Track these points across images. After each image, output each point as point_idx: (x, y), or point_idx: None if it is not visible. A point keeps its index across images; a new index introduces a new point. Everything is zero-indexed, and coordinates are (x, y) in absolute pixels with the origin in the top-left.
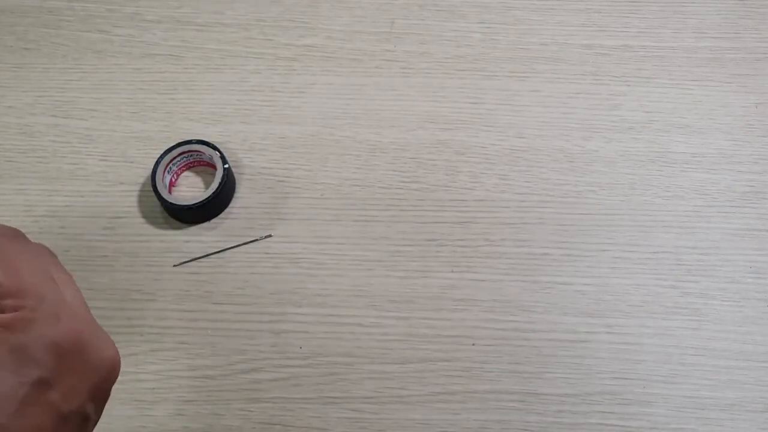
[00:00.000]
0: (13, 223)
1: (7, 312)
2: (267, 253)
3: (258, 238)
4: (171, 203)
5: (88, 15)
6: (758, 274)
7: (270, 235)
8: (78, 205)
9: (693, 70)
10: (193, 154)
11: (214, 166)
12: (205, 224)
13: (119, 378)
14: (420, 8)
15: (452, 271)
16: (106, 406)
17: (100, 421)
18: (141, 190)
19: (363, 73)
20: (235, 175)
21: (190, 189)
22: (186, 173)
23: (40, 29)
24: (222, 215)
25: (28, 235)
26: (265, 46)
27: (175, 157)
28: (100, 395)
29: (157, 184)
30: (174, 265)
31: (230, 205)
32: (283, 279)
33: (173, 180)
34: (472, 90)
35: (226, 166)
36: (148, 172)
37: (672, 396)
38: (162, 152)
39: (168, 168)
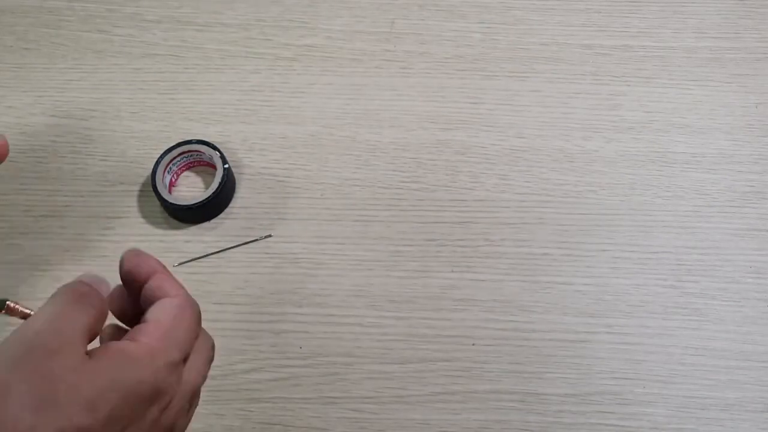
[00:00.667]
0: (13, 223)
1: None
2: (267, 253)
3: (258, 238)
4: (171, 203)
5: (88, 15)
6: (758, 274)
7: (270, 235)
8: (78, 205)
9: (693, 70)
10: (193, 154)
11: (214, 166)
12: (205, 224)
13: None
14: (420, 8)
15: (452, 271)
16: None
17: None
18: (141, 190)
19: (363, 73)
20: (235, 175)
21: (190, 189)
22: (186, 173)
23: (40, 29)
24: (222, 215)
25: (28, 235)
26: (265, 46)
27: (175, 157)
28: None
29: (157, 184)
30: (174, 265)
31: (230, 205)
32: (283, 279)
33: (173, 180)
34: (472, 90)
35: (226, 166)
36: (148, 172)
37: (672, 396)
38: (162, 152)
39: (168, 168)
